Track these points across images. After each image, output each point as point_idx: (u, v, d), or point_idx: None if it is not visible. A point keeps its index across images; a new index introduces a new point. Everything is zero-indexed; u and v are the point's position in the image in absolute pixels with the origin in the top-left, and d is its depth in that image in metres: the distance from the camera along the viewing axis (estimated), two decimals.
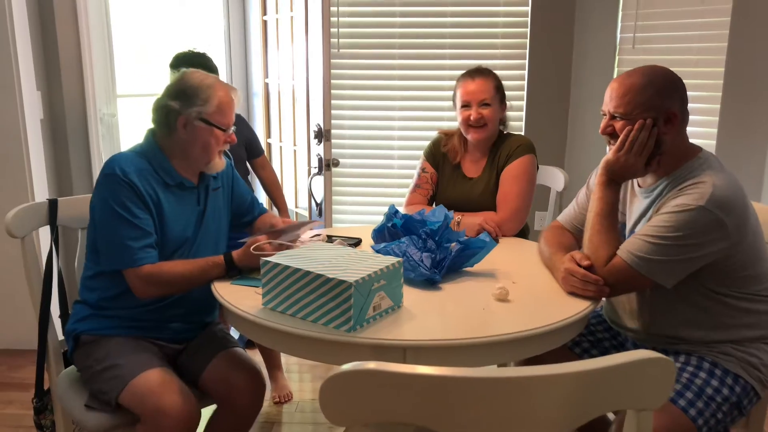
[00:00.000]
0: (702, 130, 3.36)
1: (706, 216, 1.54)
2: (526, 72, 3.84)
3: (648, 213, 1.72)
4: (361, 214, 3.79)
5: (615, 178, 1.73)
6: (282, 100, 3.60)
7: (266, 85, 3.78)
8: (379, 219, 2.04)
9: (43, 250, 2.06)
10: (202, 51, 2.73)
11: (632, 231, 1.77)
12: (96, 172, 3.35)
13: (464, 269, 1.83)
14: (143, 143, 1.91)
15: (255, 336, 1.58)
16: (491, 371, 0.89)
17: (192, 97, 1.83)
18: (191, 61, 2.61)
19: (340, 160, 3.31)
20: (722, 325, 1.67)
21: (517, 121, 3.89)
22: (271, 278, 1.52)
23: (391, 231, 1.98)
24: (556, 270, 1.75)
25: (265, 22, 3.69)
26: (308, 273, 1.46)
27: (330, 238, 2.10)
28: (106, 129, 3.45)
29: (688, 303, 1.67)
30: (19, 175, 3.00)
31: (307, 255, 1.57)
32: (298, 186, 3.51)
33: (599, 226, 1.68)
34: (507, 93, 3.60)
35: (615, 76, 3.64)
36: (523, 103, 3.88)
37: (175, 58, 2.68)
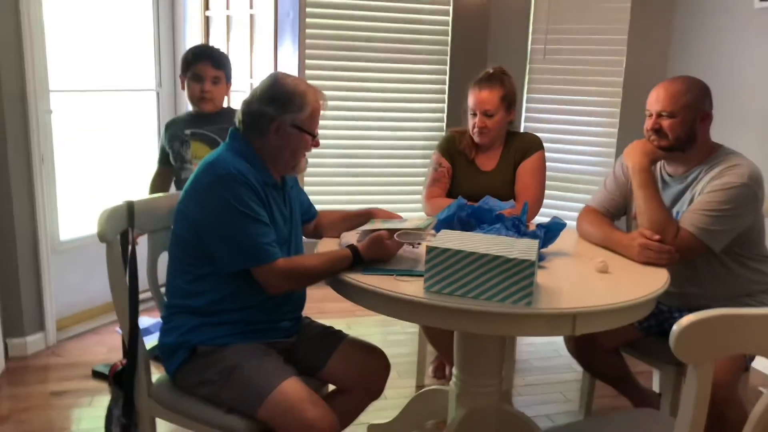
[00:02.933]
0: (604, 129, 3.95)
1: (748, 190, 1.94)
2: (447, 77, 4.18)
3: (685, 194, 2.10)
4: None
5: (655, 161, 2.10)
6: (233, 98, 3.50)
7: None
8: None
9: None
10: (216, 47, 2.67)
11: (669, 210, 2.14)
12: (37, 172, 2.99)
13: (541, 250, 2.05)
14: (234, 144, 1.82)
15: (428, 319, 1.65)
16: None
17: (287, 104, 1.78)
18: (209, 54, 2.55)
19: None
20: (740, 281, 2.09)
21: (439, 122, 4.22)
22: (438, 263, 1.61)
23: (463, 220, 2.13)
24: (623, 246, 2.04)
25: (207, 18, 3.55)
26: (484, 255, 1.57)
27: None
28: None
29: (720, 266, 2.07)
30: None
31: (456, 238, 1.69)
32: None
33: (658, 205, 2.02)
34: (431, 96, 4.02)
35: (526, 83, 4.13)
36: (444, 105, 4.22)
37: (197, 52, 2.57)
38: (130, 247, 1.83)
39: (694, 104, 2.05)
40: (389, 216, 2.08)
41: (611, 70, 3.89)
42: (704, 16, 3.47)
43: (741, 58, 3.24)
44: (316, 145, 1.90)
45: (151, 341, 2.98)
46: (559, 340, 3.16)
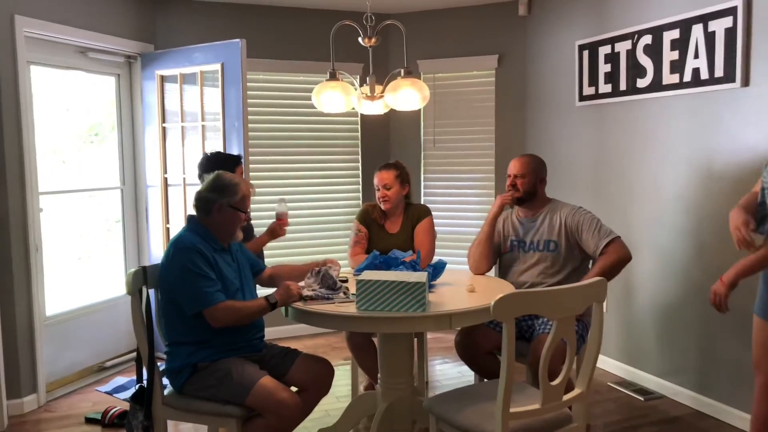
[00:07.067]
0: (482, 199, 4.96)
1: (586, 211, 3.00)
2: (360, 164, 5.13)
3: (543, 227, 3.04)
4: None
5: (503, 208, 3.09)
6: (188, 192, 4.25)
7: (165, 179, 4.38)
8: None
9: None
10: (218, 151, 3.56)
11: (530, 242, 3.06)
12: (32, 259, 3.60)
13: (432, 282, 2.91)
14: (189, 225, 2.57)
15: (362, 327, 2.46)
16: None
17: (225, 191, 2.55)
18: (221, 159, 3.30)
19: None
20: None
21: (355, 199, 5.12)
22: (365, 290, 2.42)
23: (378, 266, 2.96)
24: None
25: (164, 129, 4.34)
26: (393, 281, 2.40)
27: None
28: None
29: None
30: None
31: (375, 275, 2.51)
32: None
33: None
34: (346, 179, 5.06)
35: (422, 166, 5.12)
36: (359, 186, 5.14)
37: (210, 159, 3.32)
38: (144, 299, 2.54)
39: (536, 171, 3.07)
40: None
41: (485, 152, 4.94)
42: (545, 111, 4.59)
43: (569, 139, 4.35)
44: (248, 218, 2.66)
45: (125, 394, 3.71)
46: (464, 367, 3.96)
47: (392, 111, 3.33)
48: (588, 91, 4.13)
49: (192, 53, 4.13)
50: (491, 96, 4.89)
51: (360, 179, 5.14)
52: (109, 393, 3.84)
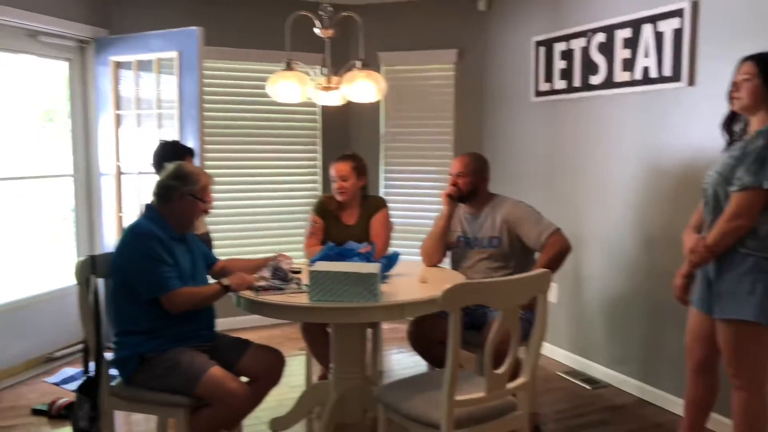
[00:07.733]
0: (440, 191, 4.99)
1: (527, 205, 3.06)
2: (320, 155, 5.12)
3: (486, 223, 3.11)
4: None
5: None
6: (142, 181, 4.17)
7: (118, 168, 4.29)
8: None
9: None
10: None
11: (475, 239, 3.13)
12: None
13: (385, 273, 2.94)
14: (147, 214, 2.55)
15: (314, 317, 2.49)
16: None
17: (187, 180, 2.56)
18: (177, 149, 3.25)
19: None
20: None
21: (313, 190, 5.11)
22: (318, 281, 2.43)
23: (332, 257, 2.97)
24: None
25: (118, 116, 4.25)
26: (346, 272, 2.41)
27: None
28: None
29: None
30: None
31: (329, 266, 2.52)
32: None
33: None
34: (305, 170, 5.05)
35: (381, 158, 5.14)
36: (319, 177, 5.14)
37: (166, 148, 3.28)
38: (92, 288, 2.50)
39: (478, 170, 3.13)
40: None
41: (444, 146, 4.97)
42: (502, 105, 4.65)
43: (525, 133, 4.43)
44: (206, 209, 2.65)
45: (74, 385, 3.51)
46: (417, 357, 4.00)
47: (352, 103, 3.34)
48: (543, 86, 4.20)
49: (148, 40, 4.06)
50: (451, 90, 4.93)
51: (320, 170, 5.13)
52: (57, 384, 3.76)
